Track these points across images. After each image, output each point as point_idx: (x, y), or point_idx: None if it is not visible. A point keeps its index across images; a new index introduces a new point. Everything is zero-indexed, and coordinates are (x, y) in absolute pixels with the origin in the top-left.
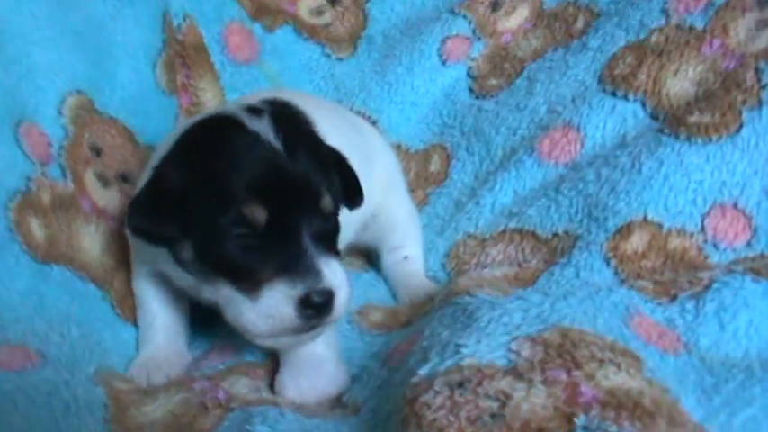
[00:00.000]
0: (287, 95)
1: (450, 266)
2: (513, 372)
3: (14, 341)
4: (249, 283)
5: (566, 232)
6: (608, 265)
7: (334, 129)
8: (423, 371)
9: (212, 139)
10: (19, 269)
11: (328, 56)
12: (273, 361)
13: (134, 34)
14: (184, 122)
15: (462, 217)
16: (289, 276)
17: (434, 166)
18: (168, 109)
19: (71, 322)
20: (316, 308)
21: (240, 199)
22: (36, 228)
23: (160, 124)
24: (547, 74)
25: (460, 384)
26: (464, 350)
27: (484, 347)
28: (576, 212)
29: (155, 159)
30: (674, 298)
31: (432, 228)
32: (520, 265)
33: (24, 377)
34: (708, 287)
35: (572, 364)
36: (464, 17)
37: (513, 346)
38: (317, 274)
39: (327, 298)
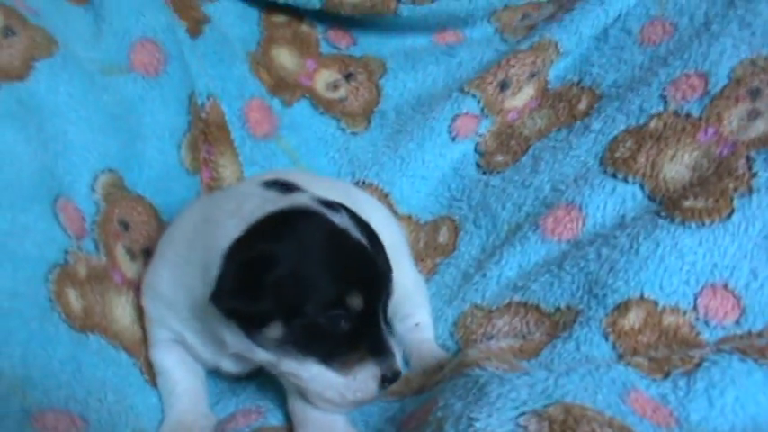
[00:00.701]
0: (289, 174)
1: (458, 335)
2: None
3: (58, 406)
4: (341, 361)
5: (568, 307)
6: (606, 339)
7: None
8: None
9: (306, 230)
10: (59, 338)
11: (343, 130)
12: None
13: (161, 115)
14: (206, 199)
15: (470, 288)
16: (376, 357)
17: (443, 237)
18: (191, 187)
19: (107, 388)
20: (391, 382)
21: (343, 287)
22: (73, 299)
23: (183, 202)
24: (551, 153)
25: None
26: (477, 424)
27: (495, 422)
28: (578, 288)
29: (175, 238)
30: (667, 375)
31: (440, 297)
32: (524, 337)
33: None
34: (699, 365)
35: None
36: (473, 96)
37: (522, 421)
38: (393, 355)
39: (398, 376)
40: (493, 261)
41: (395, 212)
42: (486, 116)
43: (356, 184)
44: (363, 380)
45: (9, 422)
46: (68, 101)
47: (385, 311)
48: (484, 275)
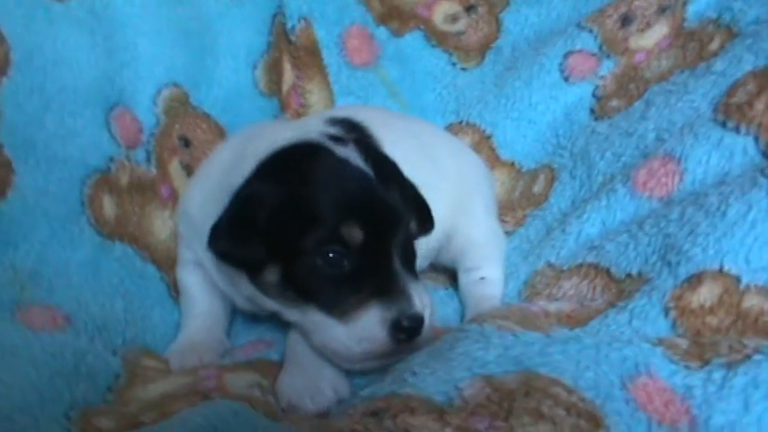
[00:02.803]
0: (360, 111)
1: (524, 295)
2: (439, 411)
3: (52, 303)
4: (342, 306)
5: (639, 274)
6: (666, 315)
7: (398, 147)
8: (364, 392)
9: (302, 164)
10: (82, 240)
11: (454, 65)
12: None
13: (239, 34)
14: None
15: (548, 244)
16: (383, 300)
17: (538, 186)
18: (265, 110)
19: (118, 296)
20: (407, 332)
21: (338, 218)
22: (108, 205)
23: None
24: (665, 97)
25: (374, 413)
26: (410, 379)
27: (432, 380)
28: (653, 253)
29: (214, 162)
30: (705, 363)
31: (519, 251)
32: (583, 303)
33: (38, 337)
34: (748, 357)
35: (503, 414)
36: (590, 31)
37: (464, 384)
38: (408, 298)
39: (418, 323)
40: (575, 216)
41: (495, 158)
42: (608, 56)
43: (459, 124)
44: (367, 327)
45: None
46: (142, 12)
47: (405, 255)
48: (563, 231)
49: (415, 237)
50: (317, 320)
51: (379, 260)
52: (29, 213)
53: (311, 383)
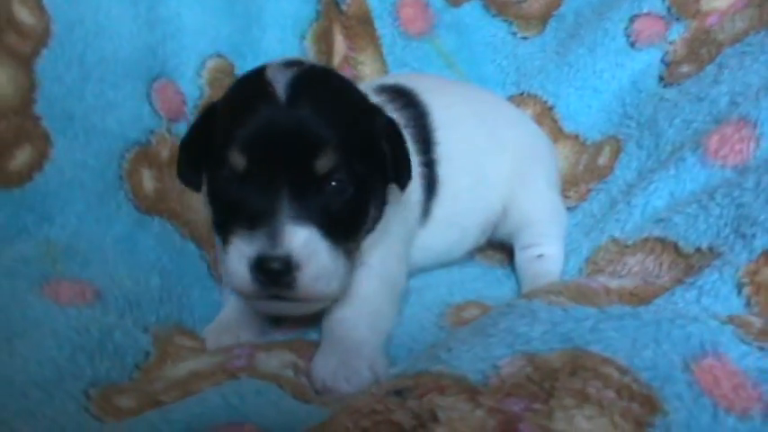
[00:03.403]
0: (412, 78)
1: (585, 272)
2: (471, 391)
3: (84, 278)
4: (223, 233)
5: (709, 248)
6: (739, 292)
7: (451, 113)
8: (395, 370)
9: (236, 88)
10: (119, 216)
11: (514, 34)
12: None
13: (286, 4)
14: None
15: (612, 218)
16: (250, 234)
17: (603, 158)
18: None
19: (155, 272)
20: (268, 274)
21: (226, 141)
22: (147, 179)
23: None
24: (738, 59)
25: (398, 392)
26: (444, 355)
27: (468, 357)
28: (725, 225)
29: None
30: None
31: (582, 227)
32: (647, 280)
33: (65, 312)
34: None
35: (543, 395)
36: None
37: (503, 362)
38: (276, 236)
39: (284, 267)
40: (641, 187)
41: (558, 131)
42: (677, 18)
43: (520, 96)
44: (229, 262)
45: (20, 282)
46: None
47: (304, 191)
48: (628, 203)
49: (350, 180)
50: (218, 247)
51: (262, 191)
52: (65, 186)
53: (347, 363)
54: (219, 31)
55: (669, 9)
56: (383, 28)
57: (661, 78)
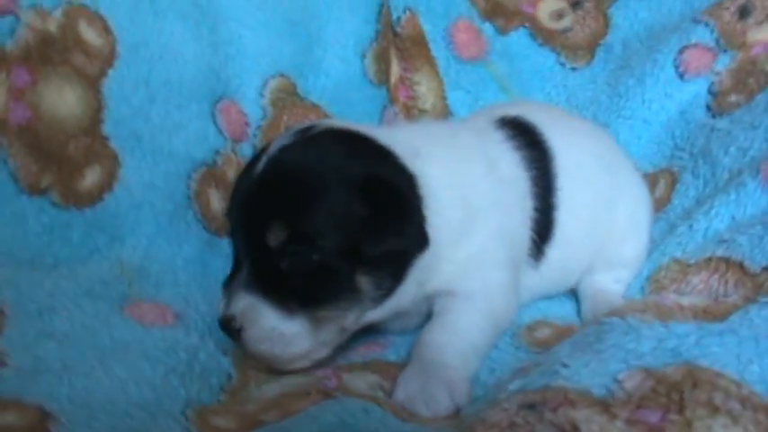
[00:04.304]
0: (533, 110)
1: (648, 290)
2: (602, 404)
3: (161, 300)
4: None
5: None
6: None
7: (573, 154)
8: (512, 386)
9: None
10: (189, 236)
11: (563, 65)
12: None
13: (347, 23)
14: None
15: (672, 240)
16: (225, 296)
17: (659, 191)
18: (374, 99)
19: None
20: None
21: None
22: (215, 200)
23: (364, 114)
24: None
25: (531, 406)
26: (563, 370)
27: (587, 372)
28: None
29: None
30: None
31: None
32: (717, 298)
33: (149, 332)
34: None
35: (675, 407)
36: (706, 24)
37: (622, 376)
38: (230, 299)
39: (230, 326)
40: (702, 212)
41: None
42: (724, 50)
43: None
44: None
45: (101, 304)
46: (246, 5)
47: (259, 262)
48: (690, 227)
49: (292, 252)
50: None
51: (237, 255)
52: (135, 207)
53: (428, 388)
54: (281, 51)
55: (717, 41)
56: (437, 51)
57: (709, 108)
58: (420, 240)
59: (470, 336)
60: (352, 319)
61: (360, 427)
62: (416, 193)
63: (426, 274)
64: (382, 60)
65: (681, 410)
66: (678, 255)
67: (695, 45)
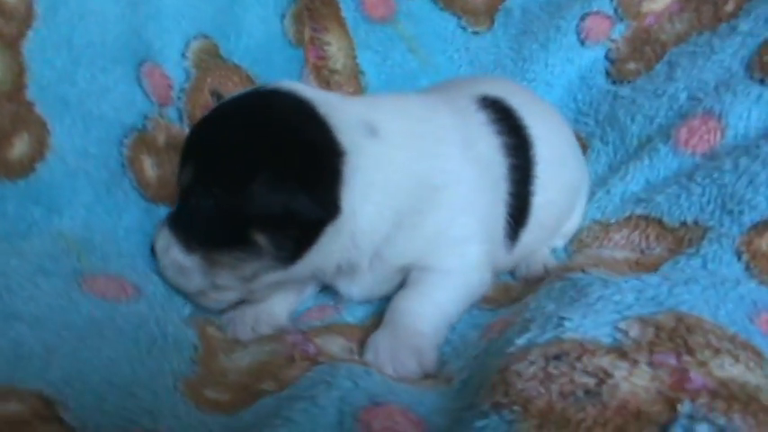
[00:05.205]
0: (506, 89)
1: (571, 249)
2: (618, 351)
3: (113, 272)
4: None
5: (695, 222)
6: (739, 259)
7: (551, 151)
8: (520, 341)
9: None
10: (128, 205)
11: (464, 28)
12: (374, 326)
13: None
14: None
15: (592, 205)
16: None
17: None
18: (293, 60)
19: None
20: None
21: None
22: (149, 166)
23: (284, 75)
24: (690, 58)
25: (557, 357)
26: (567, 323)
27: (589, 323)
28: (708, 202)
29: None
30: None
31: None
32: (642, 252)
33: (116, 308)
34: None
35: (683, 350)
36: None
37: (622, 325)
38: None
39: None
40: (618, 177)
41: None
42: (621, 19)
43: None
44: None
45: (57, 281)
46: None
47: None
48: (608, 192)
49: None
50: None
51: None
52: (71, 177)
53: (397, 353)
54: (201, 10)
55: (616, 10)
56: (347, 12)
57: (608, 75)
58: (316, 210)
59: (445, 308)
60: (251, 271)
61: (377, 390)
62: (333, 167)
63: (350, 246)
64: (300, 21)
65: (690, 353)
66: (598, 216)
67: (596, 13)
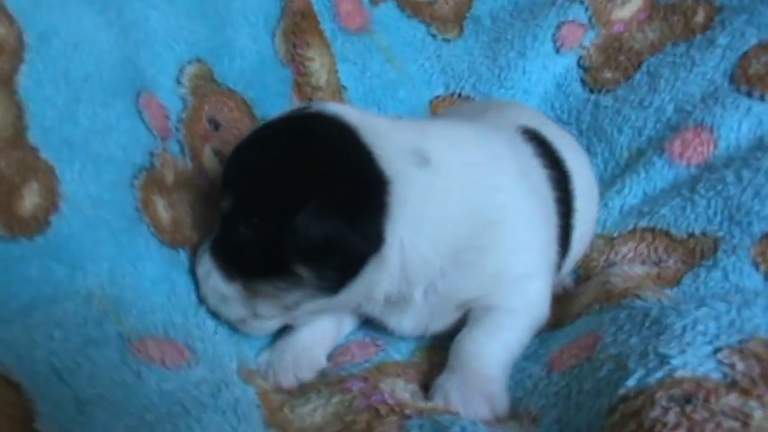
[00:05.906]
0: (538, 122)
1: (582, 266)
2: (735, 387)
3: (157, 334)
4: None
5: (703, 233)
6: (757, 269)
7: (583, 184)
8: (630, 382)
9: None
10: (149, 253)
11: (434, 36)
12: (427, 362)
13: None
14: None
15: None
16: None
17: None
18: (285, 81)
19: (204, 313)
20: None
21: None
22: (161, 208)
23: (277, 97)
24: (671, 69)
25: (687, 400)
26: (673, 361)
27: (692, 359)
28: (715, 214)
29: None
30: None
31: None
32: (657, 264)
33: (184, 376)
34: None
35: None
36: (581, 2)
37: (722, 358)
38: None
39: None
40: (614, 190)
41: None
42: (593, 27)
43: (451, 95)
44: None
45: (109, 352)
46: None
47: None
48: (605, 205)
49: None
50: None
51: None
52: (90, 227)
53: (469, 401)
54: (195, 34)
55: (590, 18)
56: (325, 23)
57: (583, 82)
58: (358, 242)
59: (513, 348)
60: (293, 300)
61: None
62: (377, 197)
63: (400, 278)
64: (288, 39)
65: None
66: (599, 231)
67: (572, 21)
